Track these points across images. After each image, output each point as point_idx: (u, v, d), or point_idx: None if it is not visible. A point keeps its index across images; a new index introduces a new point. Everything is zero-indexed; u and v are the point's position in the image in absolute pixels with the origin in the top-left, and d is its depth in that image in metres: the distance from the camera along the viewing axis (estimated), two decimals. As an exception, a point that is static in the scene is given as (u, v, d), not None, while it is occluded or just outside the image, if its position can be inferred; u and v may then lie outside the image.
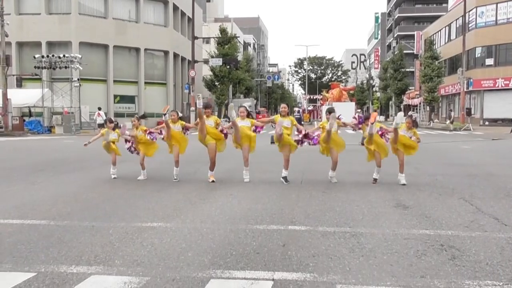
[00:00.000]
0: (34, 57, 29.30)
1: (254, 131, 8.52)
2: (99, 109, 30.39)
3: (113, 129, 9.08)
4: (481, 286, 3.48)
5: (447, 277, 3.67)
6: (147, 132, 8.84)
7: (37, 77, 30.04)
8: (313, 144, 8.47)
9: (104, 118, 27.78)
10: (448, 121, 34.73)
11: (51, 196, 7.19)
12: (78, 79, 30.58)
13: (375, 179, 8.22)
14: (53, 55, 29.52)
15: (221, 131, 8.56)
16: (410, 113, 8.60)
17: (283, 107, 8.60)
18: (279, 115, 8.55)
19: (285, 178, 8.33)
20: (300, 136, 8.38)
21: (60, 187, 8.11)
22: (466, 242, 4.63)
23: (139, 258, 4.12)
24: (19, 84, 30.34)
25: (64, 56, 29.16)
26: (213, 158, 8.42)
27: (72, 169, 10.59)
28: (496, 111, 38.56)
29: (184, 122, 8.86)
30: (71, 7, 34.76)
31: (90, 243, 4.60)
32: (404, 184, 7.96)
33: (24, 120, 28.73)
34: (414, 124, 8.09)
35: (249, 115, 8.74)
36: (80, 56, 30.33)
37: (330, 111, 8.01)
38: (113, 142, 8.99)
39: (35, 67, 29.25)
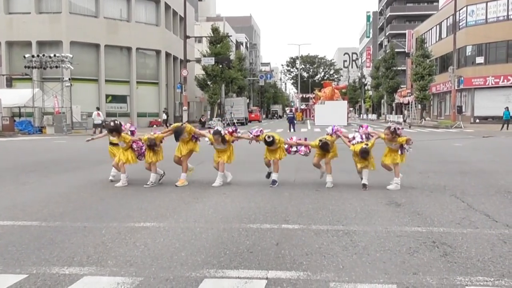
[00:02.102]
0: (24, 57, 29.02)
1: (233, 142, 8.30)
2: (98, 109, 30.27)
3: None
4: (473, 282, 3.51)
5: (439, 273, 3.70)
6: (134, 142, 8.45)
7: (28, 77, 29.79)
8: (305, 153, 8.31)
9: (103, 118, 27.69)
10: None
11: (43, 197, 7.13)
12: (69, 79, 30.37)
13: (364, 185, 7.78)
14: (43, 55, 29.27)
15: (196, 138, 8.34)
16: (389, 124, 8.31)
17: (267, 146, 8.07)
18: (264, 137, 8.06)
19: (273, 181, 8.09)
20: (290, 151, 8.32)
21: (52, 188, 8.05)
22: (458, 238, 4.66)
23: (132, 259, 4.11)
24: (9, 84, 30.07)
25: (54, 55, 28.92)
26: (178, 162, 8.34)
27: (64, 170, 10.51)
28: (487, 109, 38.91)
29: (160, 136, 8.38)
30: (62, 6, 34.49)
31: (82, 243, 4.57)
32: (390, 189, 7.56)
33: (14, 121, 28.46)
34: (394, 133, 7.53)
35: (223, 140, 8.01)
36: (71, 55, 30.08)
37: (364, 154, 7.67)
38: (117, 144, 8.83)
39: (25, 67, 28.99)
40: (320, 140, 7.96)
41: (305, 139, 8.42)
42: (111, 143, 8.91)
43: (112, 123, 8.31)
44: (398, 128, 7.69)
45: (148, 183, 8.06)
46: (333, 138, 8.05)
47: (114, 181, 8.52)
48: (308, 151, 8.28)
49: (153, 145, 8.05)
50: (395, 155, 7.74)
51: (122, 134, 8.26)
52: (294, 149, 8.32)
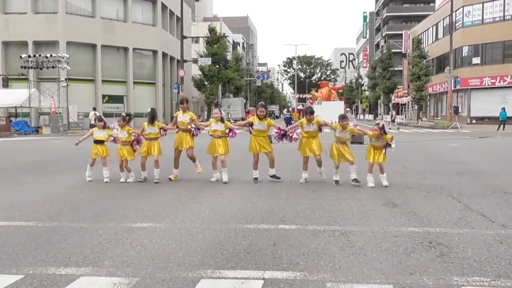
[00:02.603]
0: (21, 57, 28.95)
1: (228, 134, 8.51)
2: (94, 109, 30.14)
3: (103, 127, 8.94)
4: (469, 282, 3.52)
5: (435, 273, 3.71)
6: (133, 141, 8.83)
7: (24, 77, 29.68)
8: (294, 139, 8.67)
9: None
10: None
11: (40, 197, 7.10)
12: (65, 79, 30.29)
13: (336, 181, 8.18)
14: (40, 55, 29.20)
15: (196, 128, 8.70)
16: (377, 120, 8.32)
17: (261, 110, 8.45)
18: (256, 117, 8.46)
19: (274, 176, 8.46)
20: (281, 132, 8.68)
21: (49, 188, 8.03)
22: (454, 239, 4.68)
23: (129, 259, 4.10)
24: (5, 84, 29.95)
25: (51, 55, 28.85)
26: (177, 158, 8.79)
27: (60, 170, 10.48)
28: (483, 110, 39.05)
29: (161, 124, 8.90)
30: (58, 6, 34.41)
31: (79, 244, 4.56)
32: (386, 186, 7.76)
33: (10, 121, 28.36)
34: (382, 130, 7.83)
35: (222, 119, 8.57)
36: (67, 55, 30.03)
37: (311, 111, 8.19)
38: (103, 142, 8.85)
39: (21, 67, 28.90)
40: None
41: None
42: (96, 141, 8.85)
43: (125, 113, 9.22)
44: (386, 124, 8.05)
45: (156, 179, 8.35)
46: (318, 119, 8.28)
47: (109, 181, 8.53)
48: (297, 137, 8.58)
49: (153, 115, 8.59)
50: (384, 154, 8.01)
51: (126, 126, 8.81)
52: (283, 133, 8.67)
